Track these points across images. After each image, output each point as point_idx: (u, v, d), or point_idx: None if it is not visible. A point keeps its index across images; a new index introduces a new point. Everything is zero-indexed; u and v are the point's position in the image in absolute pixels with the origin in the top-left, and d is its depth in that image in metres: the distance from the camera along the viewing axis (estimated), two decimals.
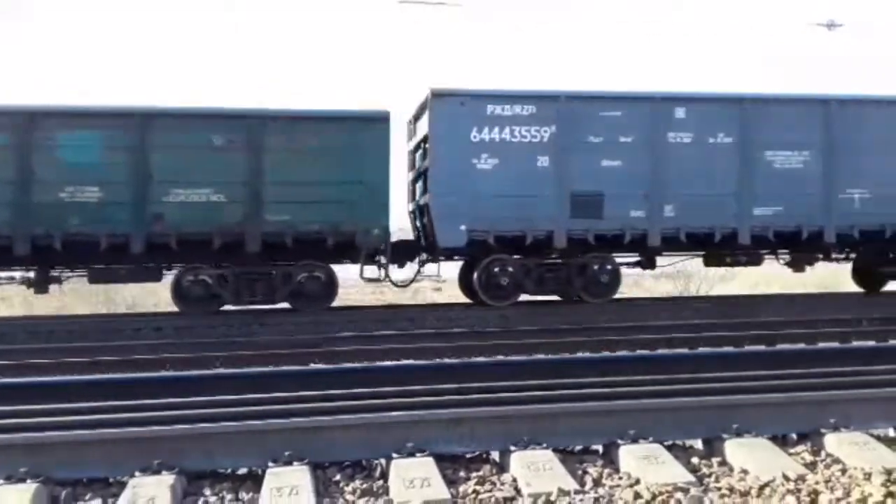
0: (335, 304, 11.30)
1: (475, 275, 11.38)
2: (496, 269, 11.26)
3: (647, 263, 12.62)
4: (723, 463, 3.42)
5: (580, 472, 3.29)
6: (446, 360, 6.69)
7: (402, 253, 11.88)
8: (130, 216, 10.15)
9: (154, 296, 15.04)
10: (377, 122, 10.68)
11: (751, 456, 3.36)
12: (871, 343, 8.13)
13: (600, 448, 3.56)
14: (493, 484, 3.17)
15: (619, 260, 11.89)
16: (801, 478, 3.16)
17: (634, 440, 3.46)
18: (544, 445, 3.39)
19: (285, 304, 10.88)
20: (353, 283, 13.64)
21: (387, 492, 3.09)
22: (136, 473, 3.09)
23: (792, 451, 3.52)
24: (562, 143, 11.10)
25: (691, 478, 3.16)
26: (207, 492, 3.11)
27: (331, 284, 10.90)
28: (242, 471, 3.32)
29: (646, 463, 3.27)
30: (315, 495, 2.99)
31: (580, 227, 11.19)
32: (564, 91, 11.29)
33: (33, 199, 10.00)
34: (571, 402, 3.75)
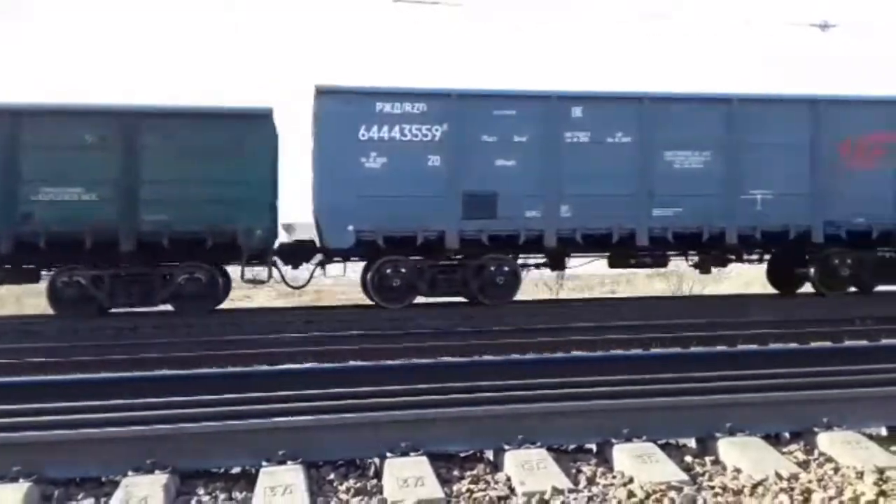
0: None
1: (368, 276, 11.14)
2: (388, 271, 11.01)
3: (555, 265, 12.44)
4: (716, 462, 3.44)
5: (574, 470, 3.29)
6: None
7: (297, 254, 11.62)
8: None
9: None
10: (260, 120, 10.41)
11: (744, 455, 3.37)
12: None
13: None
14: (488, 483, 3.18)
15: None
16: (794, 476, 3.18)
17: (628, 439, 3.47)
18: (539, 444, 3.42)
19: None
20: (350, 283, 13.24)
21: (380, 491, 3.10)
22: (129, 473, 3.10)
23: (785, 449, 3.54)
24: (454, 143, 10.86)
25: (684, 476, 3.16)
26: (201, 491, 3.11)
27: (214, 286, 10.60)
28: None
29: (640, 462, 3.27)
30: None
31: (473, 227, 10.95)
32: (456, 89, 11.05)
33: None
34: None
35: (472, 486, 3.13)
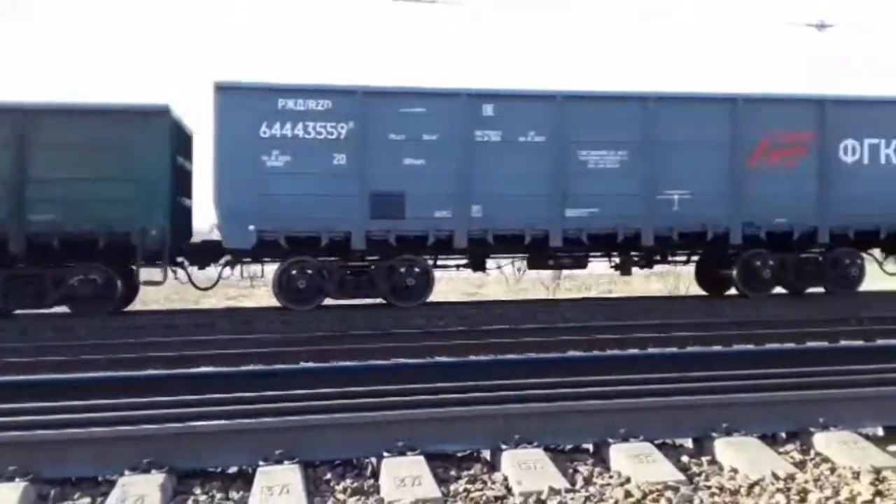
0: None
1: (275, 277, 10.88)
2: (294, 272, 10.74)
3: (475, 266, 12.20)
4: (713, 462, 3.44)
5: (571, 470, 3.29)
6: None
7: (203, 254, 11.33)
8: None
9: None
10: (154, 117, 10.09)
11: (740, 455, 3.36)
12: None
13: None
14: (485, 482, 3.19)
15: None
16: (791, 477, 3.17)
17: (625, 438, 3.48)
18: (536, 444, 3.43)
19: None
20: None
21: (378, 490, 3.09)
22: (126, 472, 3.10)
23: (781, 450, 3.54)
24: (360, 141, 10.60)
25: (681, 476, 3.16)
26: (198, 490, 3.11)
27: (112, 287, 10.29)
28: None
29: (636, 462, 3.27)
30: None
31: (381, 227, 10.69)
32: (362, 86, 10.78)
33: None
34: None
35: (469, 486, 3.16)
